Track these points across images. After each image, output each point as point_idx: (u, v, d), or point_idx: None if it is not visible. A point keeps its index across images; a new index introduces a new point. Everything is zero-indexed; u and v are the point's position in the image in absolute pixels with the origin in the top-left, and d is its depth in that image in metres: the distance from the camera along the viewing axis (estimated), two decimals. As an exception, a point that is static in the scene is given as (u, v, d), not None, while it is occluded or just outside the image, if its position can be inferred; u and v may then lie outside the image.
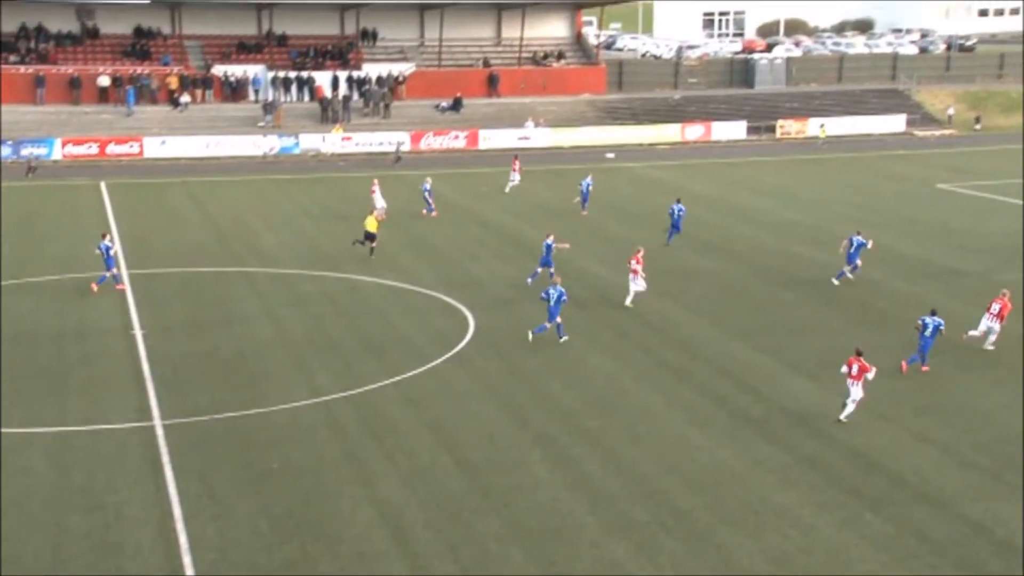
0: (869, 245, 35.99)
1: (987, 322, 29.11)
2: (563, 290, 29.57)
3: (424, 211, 47.10)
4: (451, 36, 78.01)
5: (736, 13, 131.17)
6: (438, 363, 28.17)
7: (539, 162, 62.30)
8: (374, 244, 39.28)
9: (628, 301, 33.18)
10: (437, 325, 31.60)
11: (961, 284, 35.84)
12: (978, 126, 76.39)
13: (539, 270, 35.48)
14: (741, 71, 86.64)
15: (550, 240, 35.26)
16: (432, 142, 68.80)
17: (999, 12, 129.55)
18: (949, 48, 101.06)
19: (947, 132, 76.41)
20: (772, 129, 75.20)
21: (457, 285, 35.83)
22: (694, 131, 73.63)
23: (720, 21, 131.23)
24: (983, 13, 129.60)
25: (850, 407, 24.06)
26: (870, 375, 23.90)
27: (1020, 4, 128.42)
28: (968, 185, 55.00)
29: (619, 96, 79.96)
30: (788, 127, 75.47)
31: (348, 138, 67.47)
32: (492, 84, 76.36)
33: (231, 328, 31.11)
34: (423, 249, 41.13)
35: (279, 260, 39.51)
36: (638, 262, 32.98)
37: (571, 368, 27.93)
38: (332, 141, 66.84)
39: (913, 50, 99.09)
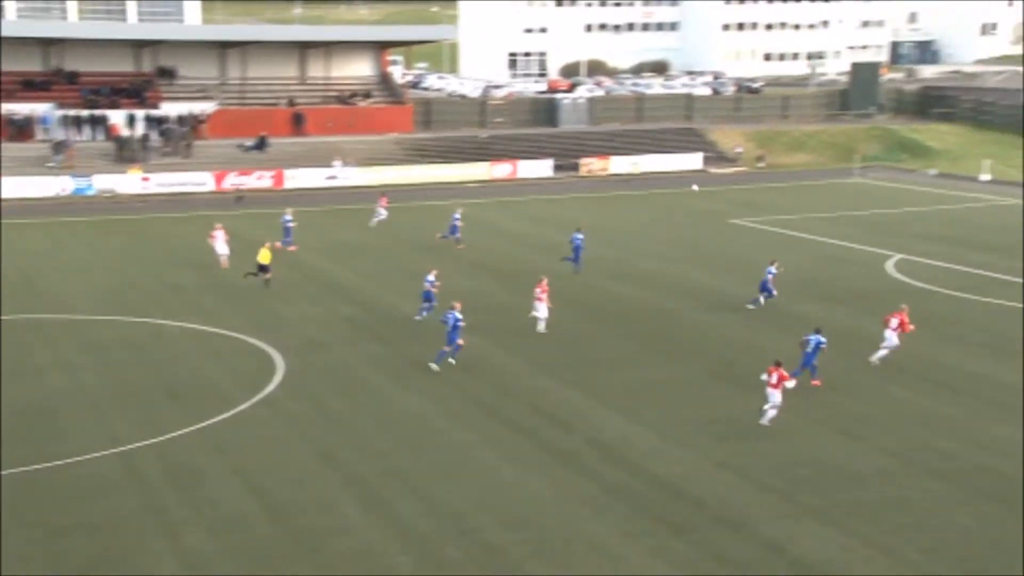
0: (774, 271, 38.01)
1: (890, 336, 30.99)
2: (459, 315, 30.37)
3: (279, 243, 46.75)
4: (254, 75, 76.99)
5: (539, 54, 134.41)
6: (245, 407, 27.57)
7: (347, 201, 61.99)
8: (268, 276, 39.68)
9: (541, 327, 34.66)
10: (244, 369, 30.94)
11: (755, 315, 37.55)
12: (761, 164, 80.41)
13: (423, 305, 35.82)
14: (546, 110, 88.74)
15: (431, 276, 35.84)
16: (237, 182, 67.49)
17: (782, 57, 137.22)
18: (739, 90, 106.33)
19: (739, 169, 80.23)
20: (576, 167, 77.22)
21: (264, 327, 35.20)
22: (502, 169, 74.87)
23: (524, 61, 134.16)
24: (767, 57, 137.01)
25: (771, 412, 26.09)
26: (789, 384, 26.46)
27: (801, 51, 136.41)
28: (758, 220, 57.83)
29: (427, 135, 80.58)
30: (592, 165, 77.66)
31: (147, 179, 65.49)
32: (298, 123, 75.68)
33: (22, 379, 29.60)
34: (228, 291, 40.23)
35: (73, 306, 37.89)
36: (543, 290, 34.72)
37: (382, 408, 27.82)
38: (129, 181, 64.72)
39: (706, 91, 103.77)
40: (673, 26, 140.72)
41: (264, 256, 40.06)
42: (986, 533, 20.83)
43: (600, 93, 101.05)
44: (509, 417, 27.26)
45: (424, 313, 35.75)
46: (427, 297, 35.76)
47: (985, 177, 71.99)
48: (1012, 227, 54.63)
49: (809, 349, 29.11)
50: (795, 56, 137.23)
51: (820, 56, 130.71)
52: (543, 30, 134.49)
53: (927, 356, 32.37)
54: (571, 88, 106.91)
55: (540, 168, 76.18)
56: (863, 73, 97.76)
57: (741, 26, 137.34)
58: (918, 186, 70.42)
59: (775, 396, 26.10)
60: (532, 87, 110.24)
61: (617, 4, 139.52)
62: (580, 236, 43.91)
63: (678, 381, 30.22)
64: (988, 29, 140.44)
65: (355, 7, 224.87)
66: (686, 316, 37.34)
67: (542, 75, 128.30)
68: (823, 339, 29.28)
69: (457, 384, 29.82)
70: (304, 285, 41.82)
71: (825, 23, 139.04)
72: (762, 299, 37.97)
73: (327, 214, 58.36)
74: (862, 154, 79.76)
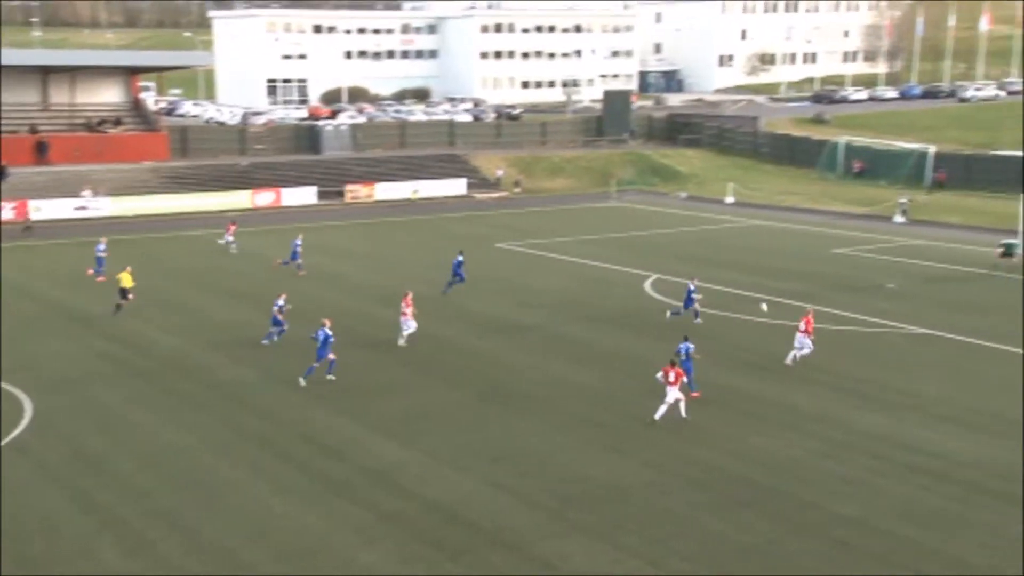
0: (693, 286, 39.86)
1: (801, 339, 33.39)
2: (329, 331, 31.57)
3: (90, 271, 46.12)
4: (-9, 100, 72.56)
5: (299, 80, 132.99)
6: (-9, 454, 25.78)
7: (98, 232, 59.27)
8: (125, 301, 39.87)
9: (401, 341, 35.95)
10: (-12, 412, 28.94)
11: (523, 337, 38.30)
12: (517, 189, 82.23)
13: (272, 330, 36.02)
14: (308, 137, 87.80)
15: (280, 301, 36.02)
16: (-25, 213, 63.32)
17: (538, 85, 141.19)
18: (499, 116, 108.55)
19: (502, 194, 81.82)
20: (341, 194, 76.70)
21: (10, 367, 33.05)
22: (264, 197, 73.43)
23: (284, 88, 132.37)
24: (525, 85, 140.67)
25: (662, 409, 28.14)
26: (684, 379, 28.62)
27: (557, 79, 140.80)
28: (523, 244, 59.11)
29: (184, 163, 78.07)
30: (357, 191, 77.33)
31: None
32: (41, 152, 71.75)
33: None
34: (-31, 330, 37.59)
35: None
36: (408, 304, 36.02)
37: (143, 445, 26.64)
38: None
39: (468, 118, 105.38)
40: (432, 54, 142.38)
41: (126, 280, 40.09)
42: (740, 539, 21.94)
43: (363, 120, 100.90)
44: (280, 448, 26.67)
45: (273, 338, 35.80)
46: (275, 322, 35.77)
47: (730, 199, 76.26)
48: (755, 246, 58.05)
49: (683, 357, 30.43)
50: (551, 84, 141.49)
51: (575, 84, 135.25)
52: (302, 57, 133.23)
53: (685, 370, 33.83)
54: (333, 115, 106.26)
55: (304, 196, 75.22)
56: (615, 101, 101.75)
57: (499, 54, 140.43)
58: (670, 208, 73.82)
59: (672, 392, 28.07)
60: (293, 114, 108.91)
61: (376, 32, 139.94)
62: (460, 258, 45.14)
63: (450, 405, 30.39)
64: (725, 61, 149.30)
65: (99, 32, 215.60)
66: (457, 341, 37.62)
67: (303, 102, 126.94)
68: (691, 345, 31.03)
69: (225, 417, 28.94)
70: (52, 320, 39.58)
71: (578, 52, 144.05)
72: (681, 310, 40.04)
73: (77, 246, 55.59)
74: (617, 178, 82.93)
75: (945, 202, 70.71)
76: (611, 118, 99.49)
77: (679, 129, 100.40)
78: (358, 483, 24.57)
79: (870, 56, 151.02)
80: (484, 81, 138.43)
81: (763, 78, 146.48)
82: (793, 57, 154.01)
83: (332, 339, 31.68)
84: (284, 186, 75.54)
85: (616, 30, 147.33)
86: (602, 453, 26.68)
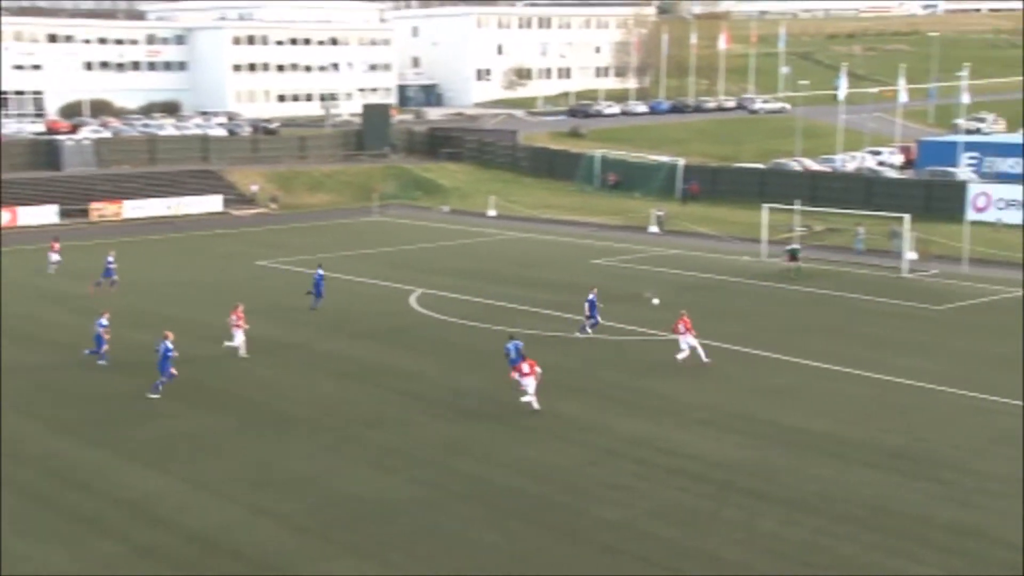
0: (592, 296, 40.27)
1: (685, 340, 35.74)
2: (170, 345, 32.16)
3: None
4: None
5: (34, 92, 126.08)
6: None
7: None
8: None
9: (242, 352, 36.66)
10: None
11: (289, 356, 37.58)
12: (274, 204, 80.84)
13: (99, 350, 35.88)
14: (46, 152, 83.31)
15: (103, 320, 36.00)
16: None
17: (296, 99, 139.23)
18: (255, 131, 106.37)
19: (261, 211, 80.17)
20: (86, 212, 73.12)
21: None
22: (-2, 217, 69.11)
23: (17, 101, 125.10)
24: (282, 98, 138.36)
25: (530, 396, 30.63)
26: (538, 369, 30.92)
27: (314, 92, 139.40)
28: (285, 260, 58.06)
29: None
30: (103, 210, 73.91)
31: None
32: None
33: None
34: None
35: None
36: (239, 317, 36.85)
37: None
38: None
39: (222, 132, 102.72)
40: (181, 66, 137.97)
41: None
42: (513, 549, 22.25)
43: (107, 134, 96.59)
44: (20, 485, 25.06)
45: (101, 362, 35.74)
46: (98, 341, 35.90)
47: (492, 213, 77.54)
48: (518, 259, 59.22)
49: (514, 355, 32.64)
50: (309, 97, 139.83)
51: (333, 98, 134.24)
52: (37, 67, 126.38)
53: (449, 385, 34.09)
54: (74, 129, 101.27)
55: (44, 214, 71.28)
56: (375, 115, 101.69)
57: (253, 67, 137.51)
58: (434, 222, 74.31)
59: (529, 383, 30.80)
60: (28, 128, 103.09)
61: (119, 42, 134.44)
62: (321, 272, 45.78)
63: (211, 430, 29.44)
64: (483, 75, 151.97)
65: None
66: (218, 362, 36.52)
67: (39, 115, 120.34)
68: (520, 343, 33.53)
69: (-44, 456, 26.94)
70: None
71: (335, 65, 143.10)
72: (588, 327, 40.16)
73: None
74: (380, 192, 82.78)
75: (697, 213, 74.32)
76: (371, 132, 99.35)
77: (440, 143, 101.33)
78: (110, 516, 23.41)
79: (621, 72, 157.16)
80: (238, 95, 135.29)
81: (521, 92, 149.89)
82: (549, 72, 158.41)
83: (172, 353, 32.04)
84: (21, 204, 71.29)
85: (373, 43, 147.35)
86: (369, 471, 26.49)
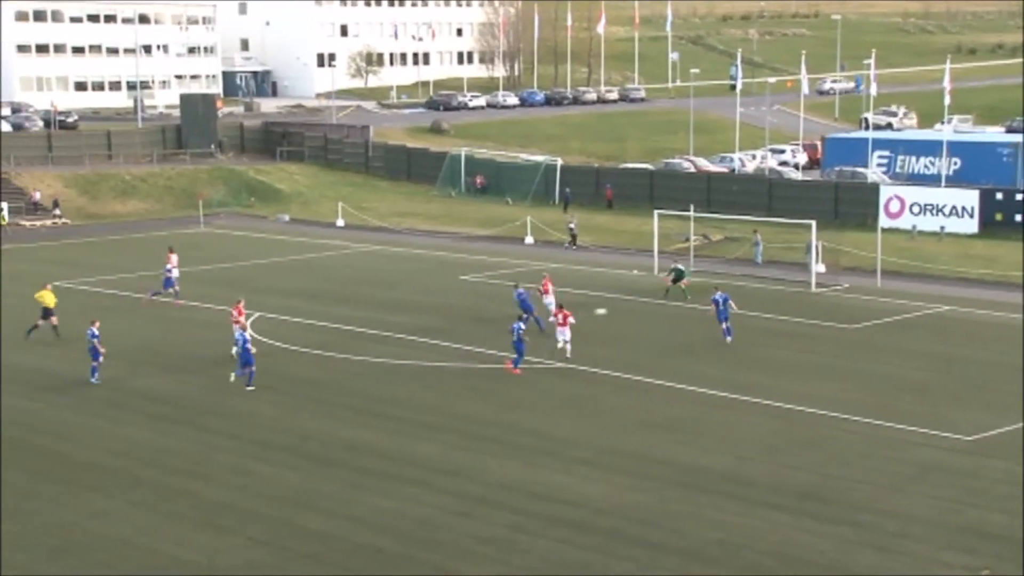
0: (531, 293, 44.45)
1: (562, 335, 40.18)
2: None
3: None
4: None
5: None
6: None
7: None
8: (54, 323, 43.78)
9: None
10: None
11: (91, 396, 36.76)
12: (57, 211, 78.84)
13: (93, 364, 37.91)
14: None
15: (94, 329, 38.12)
16: None
17: (99, 87, 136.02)
18: (49, 125, 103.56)
19: (63, 221, 78.12)
20: None
21: None
22: None
23: None
24: (81, 87, 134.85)
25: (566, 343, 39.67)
26: (572, 320, 39.94)
27: (122, 79, 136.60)
28: (86, 281, 56.64)
29: None
30: None
31: None
32: None
33: None
34: None
35: None
36: (240, 313, 40.72)
37: None
38: None
39: (6, 127, 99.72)
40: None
41: (48, 299, 44.22)
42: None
43: None
44: None
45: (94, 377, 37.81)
46: (93, 353, 38.02)
47: (340, 222, 77.11)
48: (372, 277, 58.93)
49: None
50: (115, 86, 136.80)
51: (146, 86, 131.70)
52: None
53: (289, 427, 33.71)
54: None
55: None
56: (197, 106, 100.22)
57: (42, 49, 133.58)
58: (271, 234, 73.51)
59: (565, 332, 39.64)
60: None
61: None
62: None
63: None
64: (326, 60, 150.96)
65: None
66: (7, 405, 35.45)
67: None
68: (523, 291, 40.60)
69: None
70: None
71: (147, 48, 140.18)
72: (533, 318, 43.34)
73: None
74: (205, 199, 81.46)
75: (579, 221, 75.12)
76: (193, 127, 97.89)
77: (277, 140, 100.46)
78: None
79: (486, 58, 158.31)
80: (25, 82, 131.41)
81: (371, 81, 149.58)
82: (403, 58, 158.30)
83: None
84: None
85: (192, 22, 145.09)
86: (196, 531, 26.06)
